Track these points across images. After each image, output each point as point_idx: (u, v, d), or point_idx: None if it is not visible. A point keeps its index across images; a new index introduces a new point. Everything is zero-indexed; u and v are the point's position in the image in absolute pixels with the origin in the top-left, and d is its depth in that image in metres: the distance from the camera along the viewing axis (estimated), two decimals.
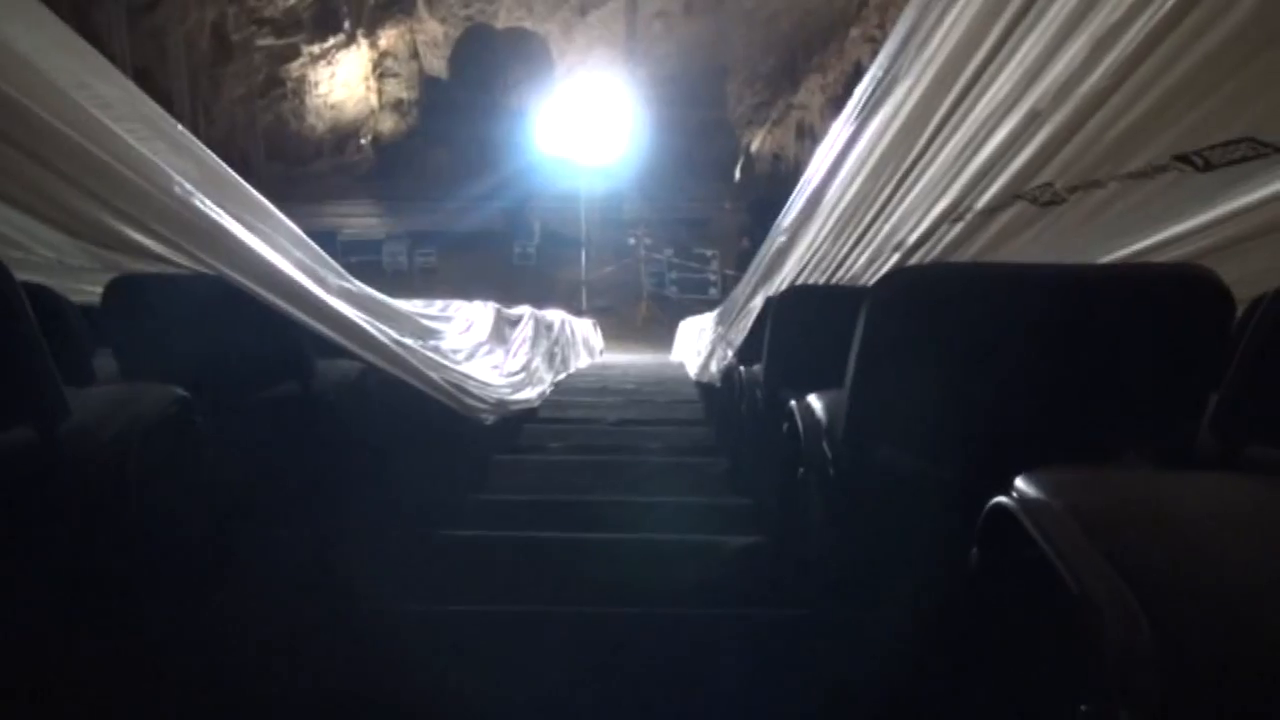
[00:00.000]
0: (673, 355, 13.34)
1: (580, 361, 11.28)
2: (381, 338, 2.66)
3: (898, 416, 2.06)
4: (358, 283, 3.10)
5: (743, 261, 19.65)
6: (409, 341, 3.20)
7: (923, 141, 2.43)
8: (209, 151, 2.17)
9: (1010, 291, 1.84)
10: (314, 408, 2.90)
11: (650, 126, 26.11)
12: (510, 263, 21.65)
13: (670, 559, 2.81)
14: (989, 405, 1.94)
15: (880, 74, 2.52)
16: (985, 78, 2.06)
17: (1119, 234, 2.36)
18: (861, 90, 2.67)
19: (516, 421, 5.21)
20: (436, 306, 5.17)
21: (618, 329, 17.14)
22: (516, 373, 6.35)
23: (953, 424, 1.96)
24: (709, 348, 6.57)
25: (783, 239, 3.69)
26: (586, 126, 19.28)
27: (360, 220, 24.31)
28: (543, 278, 20.66)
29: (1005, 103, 2.08)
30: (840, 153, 3.01)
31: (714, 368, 5.50)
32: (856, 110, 2.72)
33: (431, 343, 3.98)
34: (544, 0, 27.64)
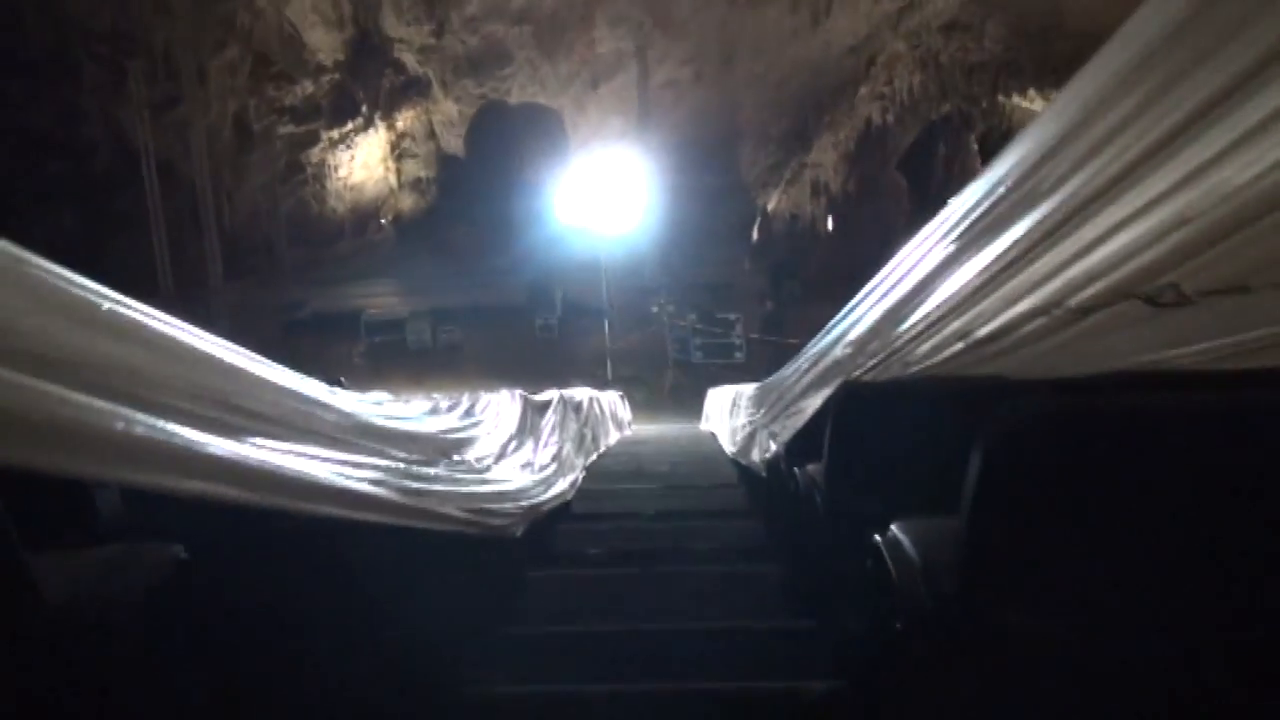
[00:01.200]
0: (703, 424, 12.94)
1: (610, 438, 10.88)
2: (384, 493, 2.24)
3: (1038, 573, 1.64)
4: (369, 406, 2.71)
5: (768, 325, 19.45)
6: (429, 471, 2.80)
7: (1028, 241, 2.04)
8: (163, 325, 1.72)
9: (1191, 430, 1.43)
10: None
11: (666, 193, 25.99)
12: (533, 335, 21.39)
13: (742, 713, 2.38)
14: (1173, 570, 1.51)
15: (1001, 187, 2.13)
16: (1128, 182, 1.68)
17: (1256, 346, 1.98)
18: (970, 198, 2.28)
19: (549, 521, 4.79)
20: (462, 407, 4.78)
21: (645, 398, 16.80)
22: (547, 465, 5.95)
23: (1126, 590, 1.53)
24: (746, 428, 6.15)
25: (844, 331, 3.29)
26: (603, 197, 19.11)
27: (383, 299, 24.20)
28: (566, 349, 20.39)
29: (1147, 207, 1.69)
30: (920, 250, 2.62)
31: (755, 455, 5.08)
32: (960, 218, 2.32)
33: (458, 457, 3.59)
34: (556, 75, 27.69)
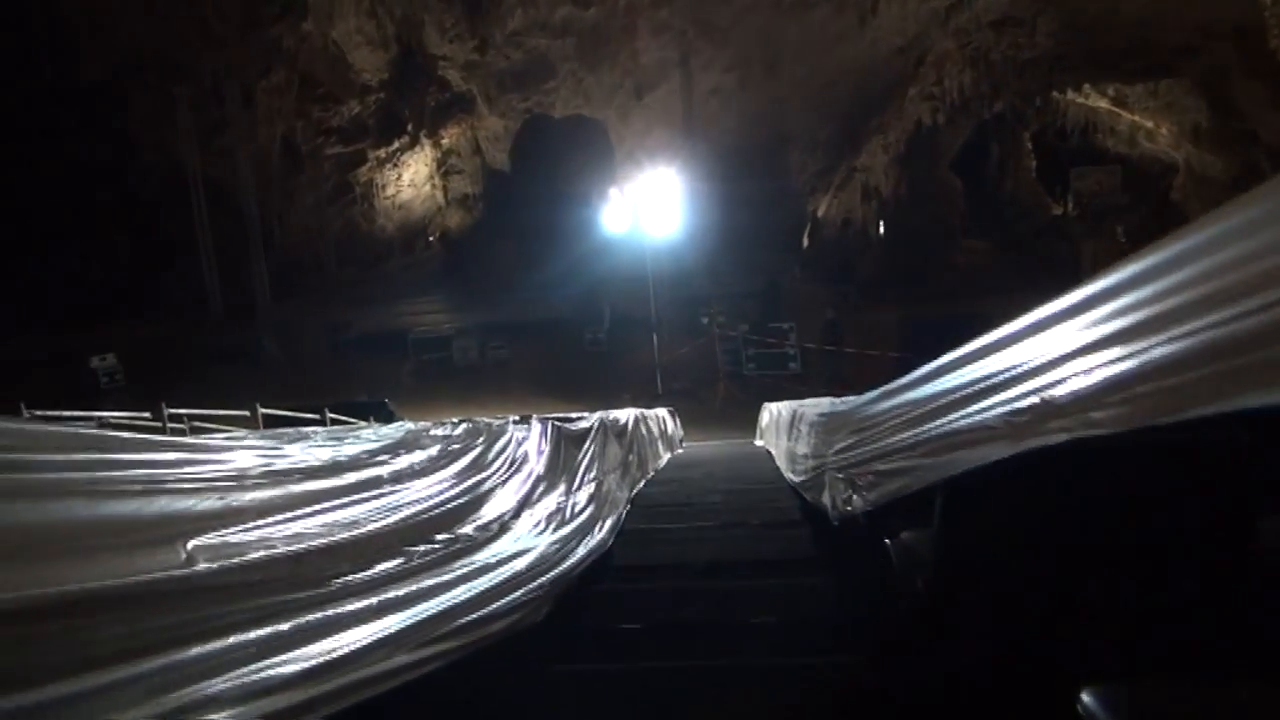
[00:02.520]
0: (757, 440, 12.06)
1: (660, 460, 10.04)
2: None
3: None
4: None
5: (827, 335, 18.49)
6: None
7: None
8: None
9: None
10: None
11: (714, 201, 25.17)
12: (581, 350, 20.62)
13: None
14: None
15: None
16: None
17: None
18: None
19: (581, 585, 3.93)
20: (473, 453, 3.95)
21: (696, 413, 15.92)
22: (583, 509, 5.11)
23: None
24: (811, 461, 5.27)
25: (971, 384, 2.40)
26: (650, 207, 18.29)
27: (431, 317, 23.62)
28: (615, 363, 19.57)
29: None
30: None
31: (825, 498, 4.19)
32: None
33: (453, 533, 2.76)
34: (601, 86, 26.96)
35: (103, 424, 9.97)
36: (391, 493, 2.64)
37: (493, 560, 2.86)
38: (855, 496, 3.34)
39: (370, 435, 4.40)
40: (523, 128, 27.09)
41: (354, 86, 26.98)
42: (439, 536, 2.59)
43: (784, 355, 17.82)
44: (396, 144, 27.74)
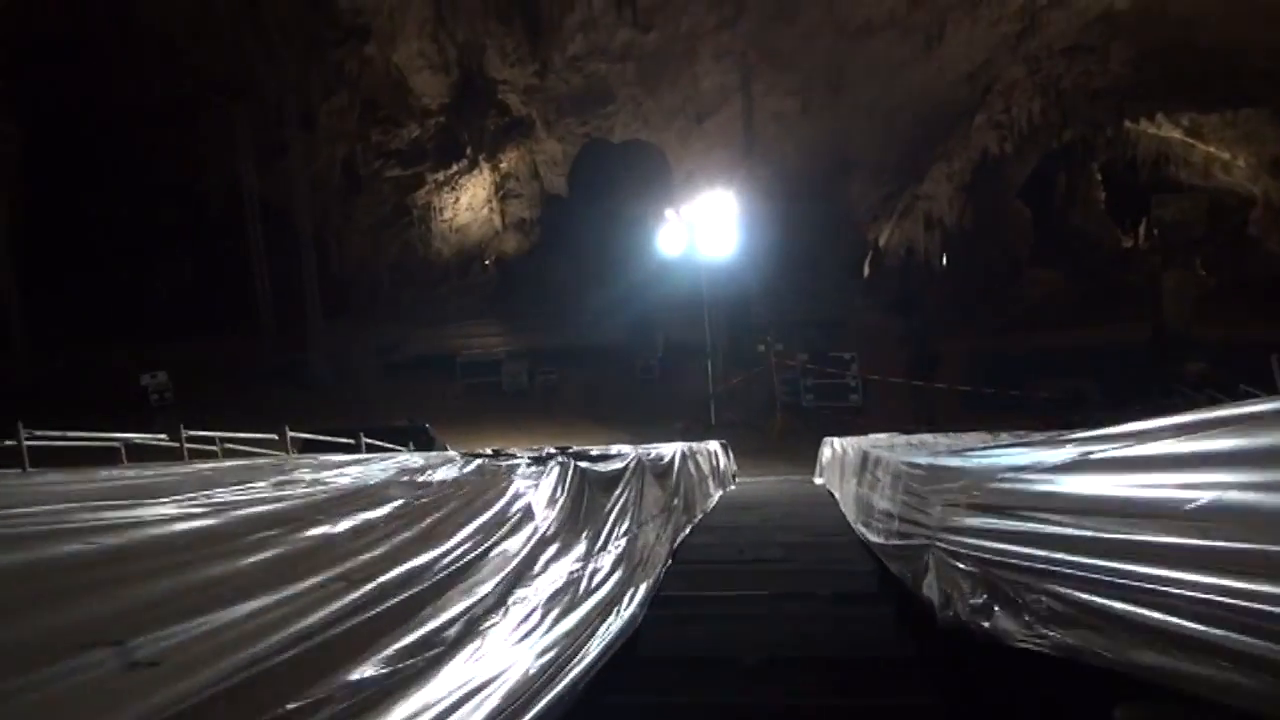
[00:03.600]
0: (817, 478, 10.82)
1: (710, 500, 8.84)
2: None
3: None
4: None
5: (911, 368, 17.12)
6: None
7: None
8: None
9: None
10: None
11: (773, 227, 24.05)
12: (634, 377, 19.52)
13: None
14: None
15: None
16: None
17: None
18: None
19: (600, 681, 2.73)
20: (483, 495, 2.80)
21: (751, 445, 14.68)
22: (608, 574, 3.91)
23: None
24: (901, 526, 4.05)
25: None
26: (706, 229, 17.20)
27: (481, 340, 22.72)
28: (667, 392, 18.42)
29: None
30: None
31: (933, 589, 2.96)
32: None
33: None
34: (660, 111, 26.01)
35: (127, 444, 9.13)
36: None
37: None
38: (1003, 614, 2.10)
39: (344, 473, 3.27)
40: (580, 152, 26.23)
41: (414, 110, 26.35)
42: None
43: (844, 387, 16.48)
44: (455, 167, 27.00)
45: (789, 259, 24.01)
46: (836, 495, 8.66)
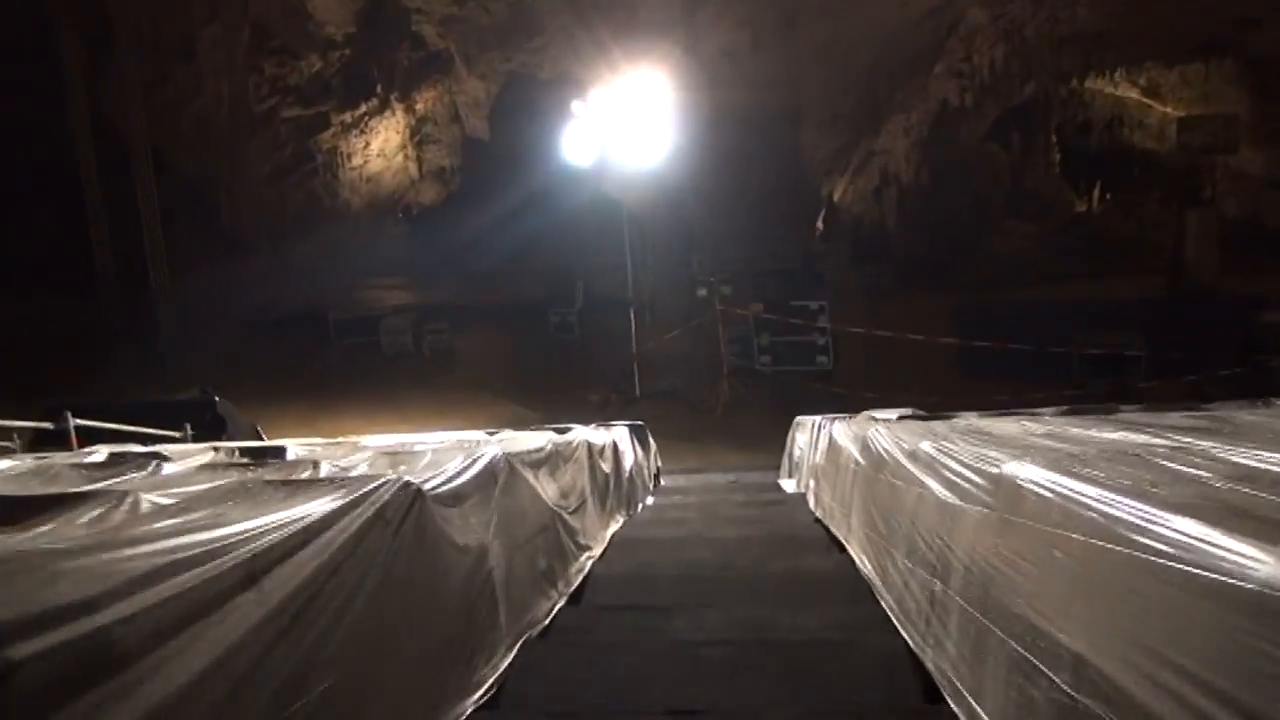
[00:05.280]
0: (784, 478, 7.08)
1: (606, 530, 4.89)
2: None
3: None
4: None
5: (886, 325, 12.84)
6: None
7: None
8: None
9: None
10: None
11: (720, 175, 20.22)
12: (548, 336, 15.56)
13: None
14: None
15: None
16: None
17: None
18: None
19: None
20: None
21: (687, 424, 10.78)
22: None
23: None
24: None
25: None
26: (630, 130, 13.06)
27: (380, 295, 18.51)
28: (587, 354, 14.47)
29: None
30: None
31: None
32: None
33: None
34: (595, 44, 21.78)
35: None
36: None
37: None
38: None
39: None
40: (504, 90, 21.96)
41: (315, 40, 21.89)
42: None
43: (810, 346, 12.39)
44: (364, 108, 22.66)
45: (737, 209, 20.09)
46: (829, 524, 4.84)
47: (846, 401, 9.58)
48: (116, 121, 20.48)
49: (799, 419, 7.02)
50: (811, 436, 6.03)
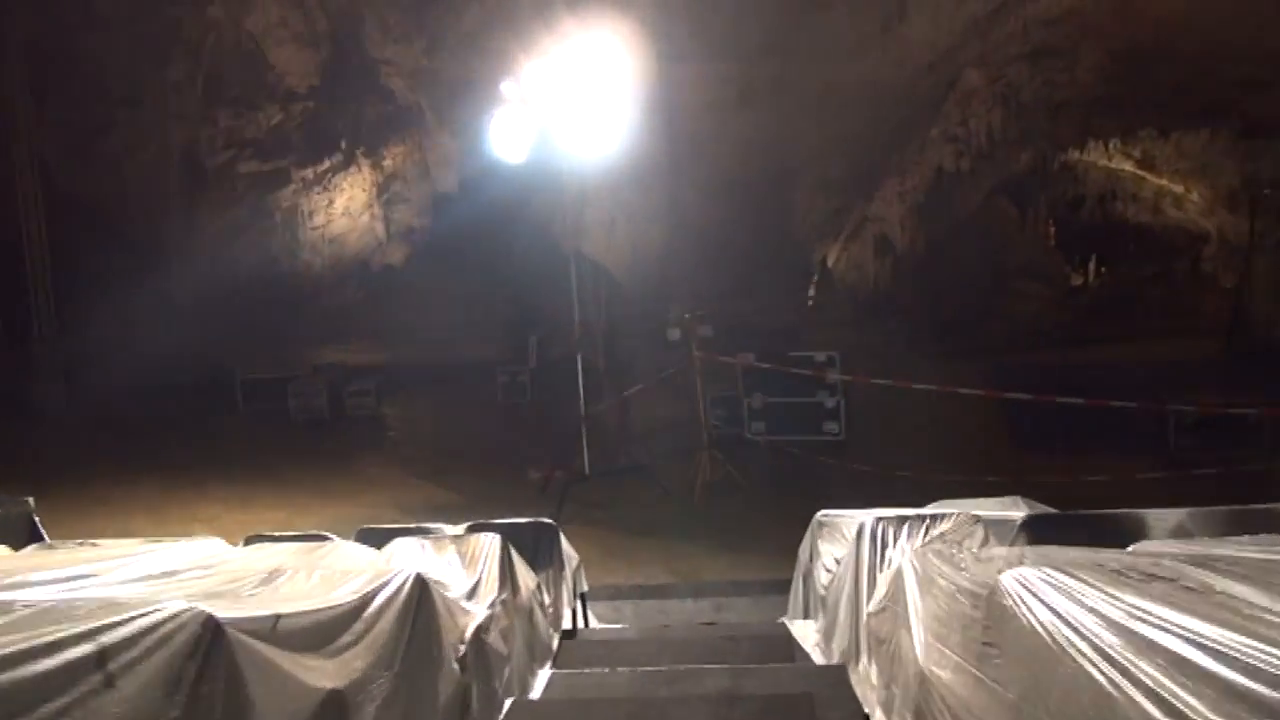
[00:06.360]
0: (794, 614, 4.06)
1: None
2: None
3: None
4: None
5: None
6: None
7: None
8: None
9: None
10: None
11: (704, 238, 17.63)
12: (494, 401, 12.60)
13: None
14: None
15: None
16: None
17: None
18: None
19: None
20: None
21: (652, 512, 7.62)
22: None
23: None
24: None
25: None
26: (576, 117, 10.11)
27: (321, 355, 15.60)
28: (541, 421, 11.39)
29: None
30: None
31: None
32: None
33: None
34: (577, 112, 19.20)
35: None
36: None
37: None
38: None
39: None
40: (472, 144, 19.33)
41: (275, 91, 19.43)
42: None
43: (815, 410, 9.15)
44: (327, 163, 20.12)
45: (721, 269, 17.35)
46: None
47: (871, 483, 6.76)
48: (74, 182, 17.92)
49: (823, 517, 4.15)
50: (855, 556, 3.19)
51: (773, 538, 6.06)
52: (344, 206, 20.58)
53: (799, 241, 22.10)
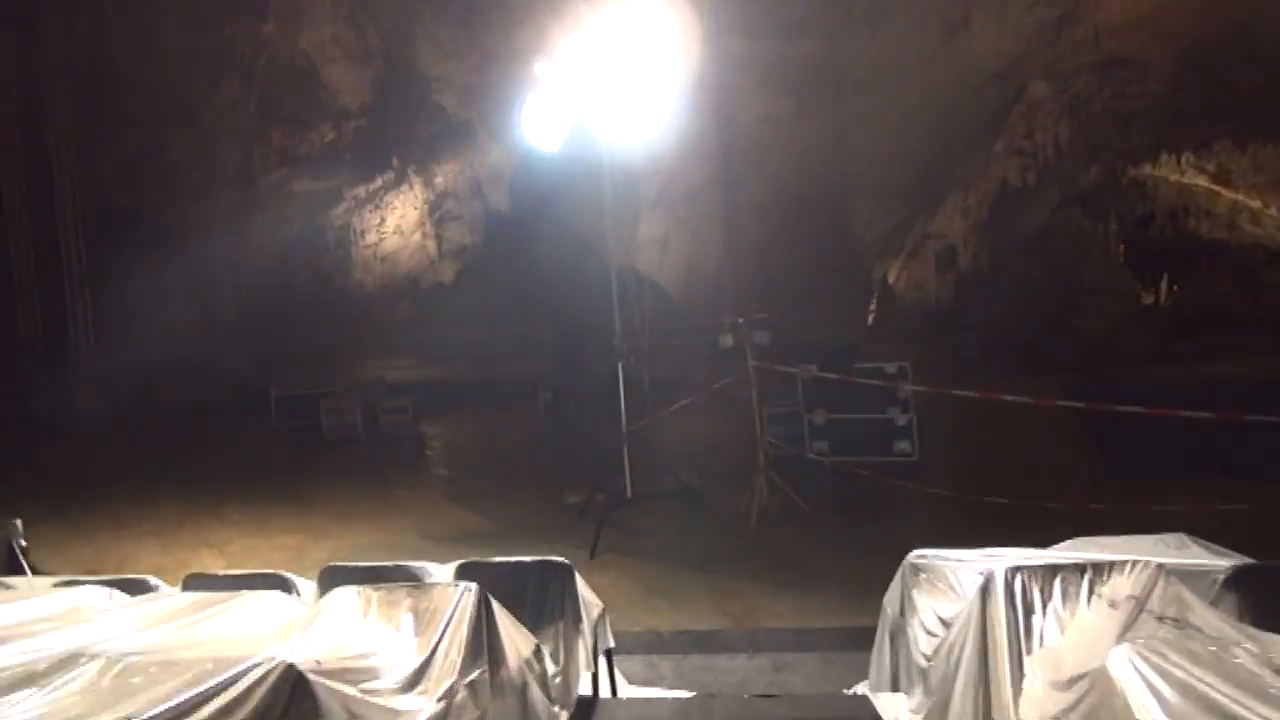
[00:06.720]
0: (876, 683, 3.14)
1: None
2: None
3: None
4: None
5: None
6: None
7: None
8: None
9: None
10: None
11: (763, 258, 16.76)
12: (536, 417, 11.75)
13: None
14: None
15: None
16: None
17: None
18: None
19: None
20: None
21: (702, 541, 6.55)
22: None
23: None
24: None
25: None
26: (624, 104, 8.99)
27: (373, 372, 14.98)
28: (584, 440, 10.41)
29: None
30: None
31: None
32: None
33: None
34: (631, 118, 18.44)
35: None
36: None
37: None
38: None
39: None
40: (524, 159, 18.75)
41: (328, 109, 19.04)
42: None
43: (885, 427, 7.99)
44: (379, 181, 19.68)
45: (779, 285, 16.41)
46: None
47: (951, 510, 5.77)
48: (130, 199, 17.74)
49: (919, 560, 3.14)
50: (980, 618, 2.22)
51: (842, 574, 5.12)
52: (396, 225, 20.12)
53: (858, 257, 21.05)
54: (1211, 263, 28.67)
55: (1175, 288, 28.42)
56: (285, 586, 3.38)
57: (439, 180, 20.13)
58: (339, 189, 19.57)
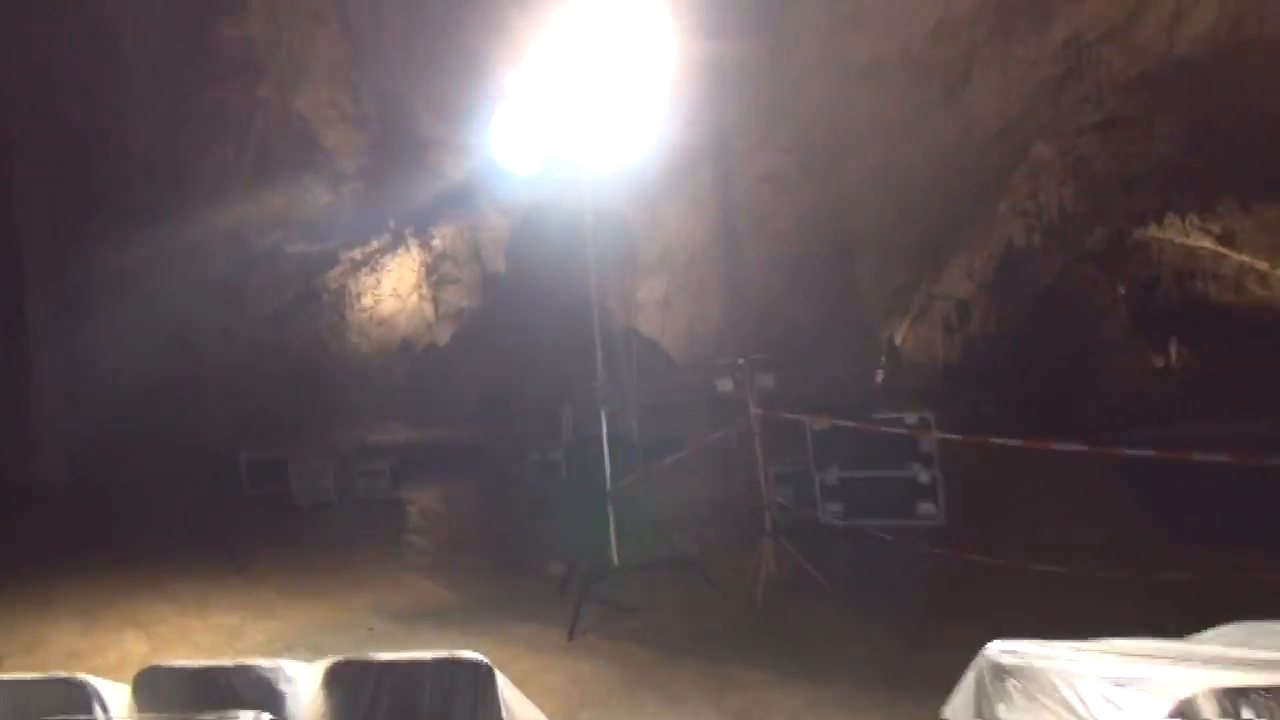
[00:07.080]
0: None
1: None
2: None
3: None
4: None
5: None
6: None
7: None
8: None
9: None
10: None
11: (766, 319, 16.08)
12: (523, 481, 10.77)
13: None
14: None
15: None
16: None
17: None
18: None
19: None
20: None
21: (699, 620, 5.46)
22: None
23: None
24: None
25: None
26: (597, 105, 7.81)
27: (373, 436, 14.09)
28: (572, 505, 9.33)
29: None
30: None
31: None
32: None
33: None
34: (624, 172, 17.91)
35: None
36: None
37: None
38: None
39: None
40: (522, 222, 18.21)
41: (324, 171, 18.49)
42: None
43: (907, 486, 6.95)
44: (375, 244, 19.04)
45: (782, 347, 15.52)
46: None
47: (988, 580, 4.80)
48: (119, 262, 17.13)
49: (1009, 657, 2.17)
50: None
51: (865, 661, 4.16)
52: (392, 288, 19.45)
53: (864, 318, 20.29)
54: (1222, 325, 27.90)
55: (1184, 351, 27.60)
56: (82, 698, 2.43)
57: (436, 243, 19.53)
58: (335, 251, 18.97)
